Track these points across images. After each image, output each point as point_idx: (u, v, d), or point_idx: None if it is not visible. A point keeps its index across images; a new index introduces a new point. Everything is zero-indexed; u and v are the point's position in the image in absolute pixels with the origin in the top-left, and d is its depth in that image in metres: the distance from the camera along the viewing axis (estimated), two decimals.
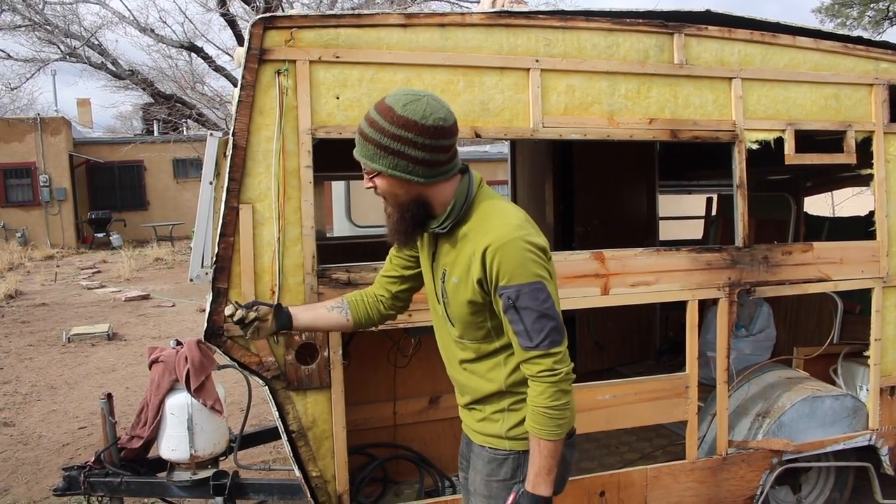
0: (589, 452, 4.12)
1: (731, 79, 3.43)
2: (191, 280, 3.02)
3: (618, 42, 3.25)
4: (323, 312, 2.44)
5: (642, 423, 3.37)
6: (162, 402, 3.83)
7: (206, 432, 3.80)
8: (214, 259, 2.80)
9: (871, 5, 25.39)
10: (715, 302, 3.48)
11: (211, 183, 3.02)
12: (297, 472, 2.93)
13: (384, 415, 3.52)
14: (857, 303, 4.57)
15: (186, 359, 3.86)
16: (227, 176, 2.81)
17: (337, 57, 2.90)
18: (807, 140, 3.65)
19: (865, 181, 5.53)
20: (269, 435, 4.71)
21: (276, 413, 2.88)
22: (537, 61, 3.12)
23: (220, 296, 2.80)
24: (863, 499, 4.14)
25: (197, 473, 3.79)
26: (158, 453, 3.94)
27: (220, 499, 3.69)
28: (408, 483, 3.44)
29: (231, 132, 2.84)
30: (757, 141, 3.50)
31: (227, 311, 2.32)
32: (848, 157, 3.68)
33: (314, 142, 2.89)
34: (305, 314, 2.42)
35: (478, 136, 3.09)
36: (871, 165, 3.77)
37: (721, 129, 3.43)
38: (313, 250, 2.89)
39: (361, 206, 6.96)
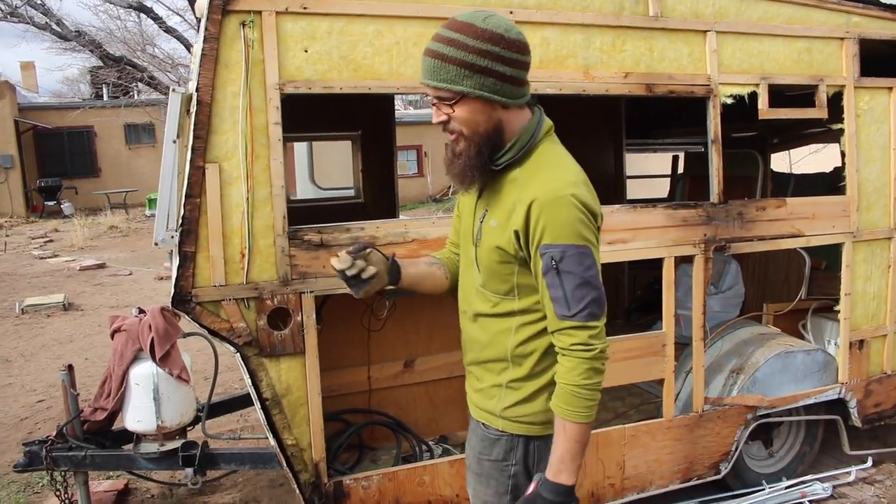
0: None
1: (705, 32, 3.37)
2: (156, 244, 2.88)
3: None
4: (425, 267, 2.22)
5: (619, 383, 3.34)
6: (126, 372, 3.71)
7: (173, 402, 3.69)
8: (180, 221, 2.67)
9: None
10: (685, 259, 3.46)
11: (174, 141, 2.87)
12: (272, 441, 2.85)
13: (359, 380, 3.44)
14: (824, 258, 4.61)
15: (150, 327, 3.73)
16: (191, 134, 2.67)
17: (305, 8, 2.76)
18: (777, 95, 3.62)
19: (831, 137, 5.57)
20: (236, 403, 4.61)
21: (249, 381, 2.79)
22: (511, 13, 3.02)
23: (186, 260, 2.68)
24: (831, 450, 4.21)
25: (165, 445, 3.69)
26: (123, 425, 3.82)
27: (189, 470, 3.60)
28: (384, 449, 3.39)
29: (195, 87, 2.69)
30: (731, 95, 3.46)
31: (339, 263, 1.95)
32: (820, 112, 3.66)
33: (283, 97, 2.76)
34: (411, 268, 2.18)
35: None
36: (841, 120, 3.75)
37: (696, 83, 3.38)
38: (284, 211, 2.78)
39: (325, 168, 6.80)
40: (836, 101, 3.73)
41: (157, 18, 18.27)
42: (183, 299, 2.70)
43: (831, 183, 5.20)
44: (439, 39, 1.82)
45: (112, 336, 3.89)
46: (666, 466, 3.49)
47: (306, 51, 2.80)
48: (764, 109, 3.51)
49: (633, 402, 4.34)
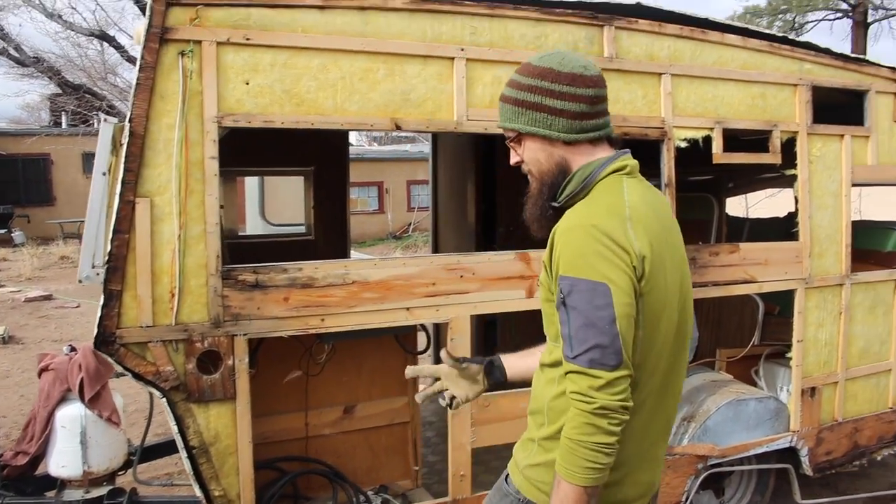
0: (500, 470, 3.97)
1: (660, 74, 3.35)
2: (80, 281, 2.73)
3: (546, 33, 3.11)
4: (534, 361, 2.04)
5: None
6: (52, 414, 3.51)
7: (102, 446, 3.50)
8: (107, 258, 2.52)
9: (779, 16, 26.34)
10: None
11: (104, 174, 2.74)
12: (199, 492, 2.68)
13: (295, 426, 3.28)
14: (777, 303, 4.59)
15: (80, 366, 3.55)
16: (122, 167, 2.54)
17: (247, 39, 2.67)
18: (732, 139, 3.60)
19: (786, 182, 5.60)
20: (174, 446, 4.41)
21: (175, 427, 2.62)
22: (462, 50, 2.96)
23: (112, 298, 2.53)
24: (782, 499, 4.14)
25: (90, 492, 3.49)
26: (47, 470, 3.61)
27: None
28: (321, 499, 3.22)
29: (128, 118, 2.57)
30: (685, 139, 3.43)
31: (420, 397, 2.11)
32: (773, 157, 3.65)
33: (221, 131, 2.64)
34: (520, 363, 2.16)
35: (398, 127, 2.90)
36: (794, 166, 3.75)
37: (650, 125, 3.34)
38: (218, 249, 2.65)
39: (276, 204, 6.67)
40: (789, 147, 3.72)
41: (119, 47, 18.09)
42: (107, 340, 2.54)
43: (785, 228, 5.21)
44: (506, 83, 1.85)
45: (39, 375, 3.69)
46: None
47: (247, 83, 2.70)
48: (718, 154, 3.49)
49: None
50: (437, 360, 5.28)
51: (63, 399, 3.53)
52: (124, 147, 2.56)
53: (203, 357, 2.64)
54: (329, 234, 5.31)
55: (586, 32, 3.18)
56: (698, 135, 3.47)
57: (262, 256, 3.04)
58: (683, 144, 3.43)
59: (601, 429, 1.59)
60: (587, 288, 1.61)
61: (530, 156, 1.82)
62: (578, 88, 1.75)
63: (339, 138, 5.41)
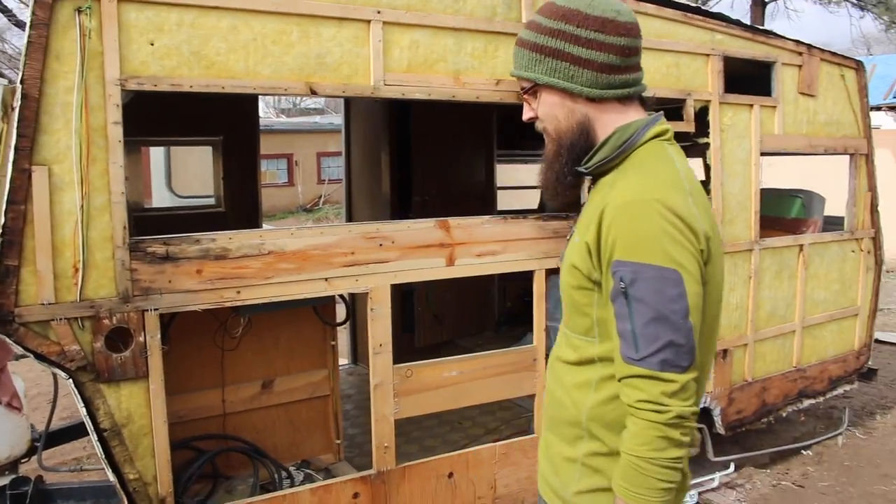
0: (432, 430, 3.97)
1: None
2: None
3: None
4: None
5: (491, 399, 3.25)
6: None
7: (2, 433, 3.29)
8: (1, 231, 2.34)
9: None
10: (556, 271, 3.40)
11: None
12: (112, 476, 2.55)
13: (212, 403, 3.17)
14: None
15: None
16: (15, 132, 2.36)
17: None
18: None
19: (692, 151, 5.74)
20: (82, 429, 4.21)
21: (84, 410, 2.48)
22: (379, 13, 2.87)
23: (8, 275, 2.35)
24: (695, 458, 4.28)
25: None
26: None
27: None
28: (241, 477, 3.13)
29: (19, 79, 2.38)
30: None
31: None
32: (688, 126, 3.72)
33: (125, 95, 2.48)
34: None
35: (314, 92, 2.80)
36: (707, 134, 3.83)
37: None
38: (125, 220, 2.50)
39: (184, 175, 6.41)
40: (702, 116, 3.80)
41: (6, 11, 16.96)
42: (4, 319, 2.36)
43: None
44: (526, 24, 1.61)
45: None
46: None
47: (152, 44, 2.54)
48: None
49: (505, 416, 4.28)
50: (355, 332, 5.21)
51: None
52: (16, 111, 2.37)
53: (111, 334, 2.50)
54: (240, 207, 5.14)
55: None
56: None
57: (170, 230, 2.89)
58: None
59: (674, 441, 1.38)
60: (655, 275, 1.39)
61: (546, 111, 1.59)
62: (609, 36, 1.50)
63: (248, 106, 5.23)
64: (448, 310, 5.50)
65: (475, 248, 3.10)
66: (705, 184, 4.28)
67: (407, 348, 5.11)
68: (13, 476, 3.32)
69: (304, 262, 2.78)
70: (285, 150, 22.23)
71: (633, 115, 1.58)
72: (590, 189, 1.68)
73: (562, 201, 1.70)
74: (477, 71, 3.11)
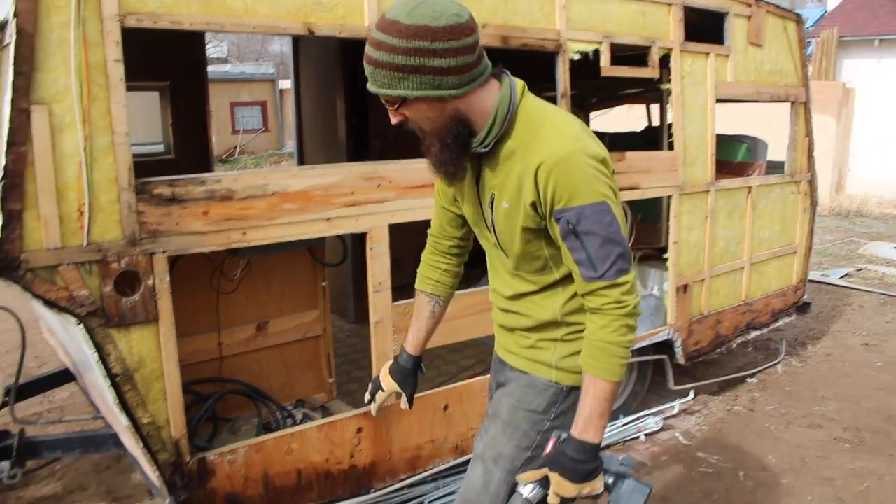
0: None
1: None
2: None
3: None
4: (430, 323, 2.22)
5: (482, 334, 3.35)
6: None
7: None
8: (3, 174, 2.26)
9: None
10: None
11: None
12: (125, 421, 2.53)
13: (208, 347, 3.15)
14: (638, 211, 4.92)
15: None
16: (11, 69, 2.26)
17: None
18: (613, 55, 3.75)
19: (642, 98, 5.94)
20: (39, 385, 4.11)
21: (96, 356, 2.44)
22: None
23: (12, 219, 2.27)
24: (657, 388, 4.54)
25: None
26: None
27: (6, 463, 3.15)
28: (242, 418, 3.14)
29: (12, 13, 2.27)
30: (578, 51, 3.54)
31: (374, 409, 2.29)
32: (652, 72, 3.85)
33: (124, 31, 2.41)
34: (421, 336, 2.23)
35: (311, 32, 2.78)
36: (669, 81, 3.98)
37: (547, 37, 3.41)
38: (130, 162, 2.45)
39: (130, 121, 6.16)
40: (664, 63, 3.94)
41: None
42: (10, 266, 2.29)
43: (643, 141, 5.55)
44: (370, 43, 1.66)
45: None
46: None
47: None
48: (606, 67, 3.64)
49: (474, 354, 4.41)
50: (358, 270, 5.17)
51: None
52: (11, 47, 2.27)
53: (120, 279, 2.46)
54: (190, 153, 5.02)
55: None
56: (589, 48, 3.58)
57: None
58: (576, 57, 3.54)
59: (633, 328, 1.73)
60: (593, 211, 1.66)
61: (418, 115, 1.72)
62: (460, 40, 1.62)
63: (195, 50, 5.08)
64: (406, 255, 5.53)
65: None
66: (652, 130, 4.47)
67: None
68: None
69: (307, 203, 2.79)
70: None
71: (495, 87, 1.76)
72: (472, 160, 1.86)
73: (454, 180, 1.88)
74: None
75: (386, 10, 1.66)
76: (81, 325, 2.41)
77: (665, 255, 4.13)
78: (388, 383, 2.23)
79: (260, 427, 3.03)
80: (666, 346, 4.26)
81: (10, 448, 3.15)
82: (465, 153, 1.78)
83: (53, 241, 2.34)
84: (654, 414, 4.28)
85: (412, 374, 2.24)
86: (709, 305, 4.38)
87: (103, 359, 2.46)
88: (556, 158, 1.67)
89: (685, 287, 4.19)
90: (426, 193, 3.07)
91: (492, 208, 1.86)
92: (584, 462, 1.71)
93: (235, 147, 22.32)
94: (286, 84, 22.28)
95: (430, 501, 3.39)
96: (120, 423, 2.72)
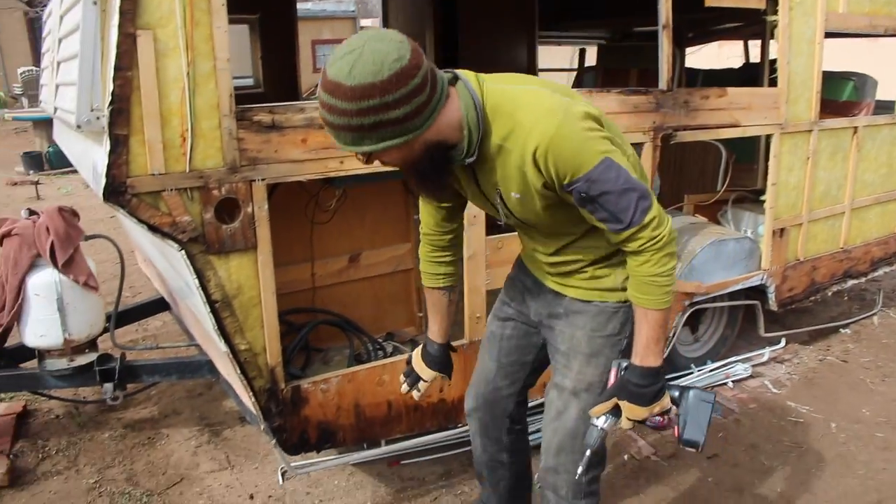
0: None
1: None
2: (78, 126, 2.47)
3: None
4: (451, 311, 2.33)
5: None
6: (22, 281, 3.27)
7: (81, 312, 3.32)
8: (110, 99, 2.27)
9: None
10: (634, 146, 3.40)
11: (95, 3, 2.43)
12: (223, 347, 2.58)
13: (302, 277, 3.18)
14: (733, 152, 4.72)
15: (48, 230, 3.30)
16: None
17: None
18: None
19: (739, 34, 5.66)
20: (133, 314, 4.25)
21: (196, 282, 2.48)
22: None
23: (119, 144, 2.30)
24: (746, 335, 4.42)
25: (74, 360, 3.33)
26: (20, 341, 3.41)
27: (109, 385, 3.28)
28: (334, 349, 3.18)
29: None
30: None
31: (417, 395, 2.40)
32: (759, 2, 3.64)
33: None
34: (445, 325, 2.33)
35: None
36: (776, 12, 3.75)
37: None
38: (230, 88, 2.43)
39: None
40: None
41: None
42: (117, 190, 2.32)
43: (738, 78, 5.30)
44: (321, 104, 1.61)
45: (0, 242, 3.41)
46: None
47: None
48: None
49: None
50: None
51: (33, 265, 3.29)
52: None
53: (220, 206, 2.48)
54: (279, 87, 5.04)
55: None
56: None
57: None
58: None
59: (672, 254, 1.78)
60: (599, 173, 1.68)
61: (393, 159, 1.69)
62: (409, 84, 1.55)
63: None
64: None
65: None
66: (749, 66, 4.24)
67: None
68: (97, 353, 3.36)
69: None
70: None
71: (455, 96, 1.71)
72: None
73: (442, 199, 2.02)
74: None
75: (326, 66, 1.58)
76: (183, 252, 2.44)
77: (762, 198, 3.96)
78: (429, 373, 2.32)
79: (352, 358, 3.06)
80: (758, 292, 4.12)
81: (112, 371, 3.27)
82: (445, 172, 1.81)
83: (157, 167, 2.36)
84: (743, 361, 4.17)
85: (447, 357, 2.35)
86: (805, 251, 4.20)
87: (203, 285, 2.49)
88: (547, 139, 1.65)
89: (782, 231, 4.02)
90: None
91: (503, 201, 1.87)
92: (649, 385, 1.82)
93: (316, 85, 22.39)
94: (367, 22, 22.13)
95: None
96: (217, 350, 2.78)
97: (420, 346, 2.38)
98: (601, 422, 1.89)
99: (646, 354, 1.82)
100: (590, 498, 2.17)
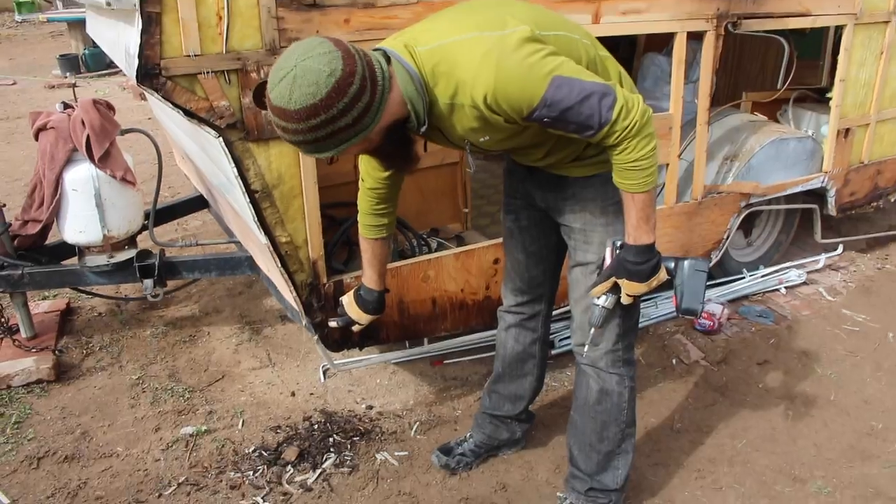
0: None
1: None
2: (108, 3, 2.35)
3: None
4: (387, 259, 2.38)
5: None
6: (59, 176, 3.21)
7: (119, 208, 3.26)
8: None
9: None
10: (695, 36, 3.17)
11: None
12: (263, 239, 2.50)
13: (344, 170, 3.04)
14: (797, 46, 4.44)
15: (84, 123, 3.21)
16: None
17: None
18: None
19: None
20: (180, 209, 4.21)
21: (234, 171, 2.38)
22: None
23: (151, 23, 2.17)
24: (802, 240, 4.25)
25: (114, 256, 3.29)
26: (61, 238, 3.38)
27: (149, 281, 3.25)
28: None
29: None
30: None
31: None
32: None
33: None
34: (382, 271, 2.34)
35: None
36: None
37: None
38: None
39: None
40: None
41: None
42: (150, 73, 2.20)
43: None
44: (276, 126, 1.66)
45: (36, 136, 3.34)
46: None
47: None
48: None
49: None
50: None
51: (69, 160, 3.22)
52: None
53: (259, 89, 2.35)
54: None
55: None
56: None
57: None
58: None
59: (649, 134, 1.77)
60: (552, 94, 1.68)
61: (355, 152, 1.80)
62: (348, 92, 1.58)
63: None
64: None
65: (620, 4, 2.85)
66: None
67: None
68: (136, 250, 3.32)
69: None
70: None
71: (394, 74, 1.72)
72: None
73: (413, 168, 1.95)
74: None
75: (267, 89, 1.62)
76: (221, 139, 2.33)
77: (828, 94, 3.71)
78: (366, 318, 2.37)
79: (395, 253, 2.97)
80: (817, 196, 3.92)
81: (152, 267, 3.23)
82: (408, 145, 1.84)
83: (192, 48, 2.23)
84: (797, 267, 4.02)
85: (383, 303, 2.38)
86: (870, 154, 3.97)
87: (242, 174, 2.39)
88: (492, 86, 1.67)
89: (847, 131, 3.79)
90: (576, 9, 2.77)
91: (476, 146, 1.91)
92: (645, 262, 1.88)
93: None
94: None
95: (560, 340, 3.32)
96: (258, 245, 2.70)
97: (352, 291, 2.40)
98: (603, 300, 1.99)
99: (638, 234, 1.86)
100: (628, 366, 2.23)
